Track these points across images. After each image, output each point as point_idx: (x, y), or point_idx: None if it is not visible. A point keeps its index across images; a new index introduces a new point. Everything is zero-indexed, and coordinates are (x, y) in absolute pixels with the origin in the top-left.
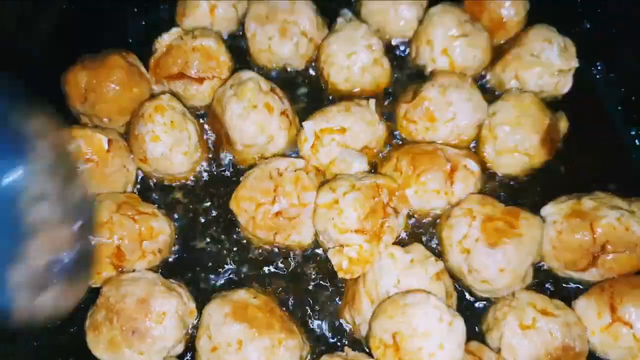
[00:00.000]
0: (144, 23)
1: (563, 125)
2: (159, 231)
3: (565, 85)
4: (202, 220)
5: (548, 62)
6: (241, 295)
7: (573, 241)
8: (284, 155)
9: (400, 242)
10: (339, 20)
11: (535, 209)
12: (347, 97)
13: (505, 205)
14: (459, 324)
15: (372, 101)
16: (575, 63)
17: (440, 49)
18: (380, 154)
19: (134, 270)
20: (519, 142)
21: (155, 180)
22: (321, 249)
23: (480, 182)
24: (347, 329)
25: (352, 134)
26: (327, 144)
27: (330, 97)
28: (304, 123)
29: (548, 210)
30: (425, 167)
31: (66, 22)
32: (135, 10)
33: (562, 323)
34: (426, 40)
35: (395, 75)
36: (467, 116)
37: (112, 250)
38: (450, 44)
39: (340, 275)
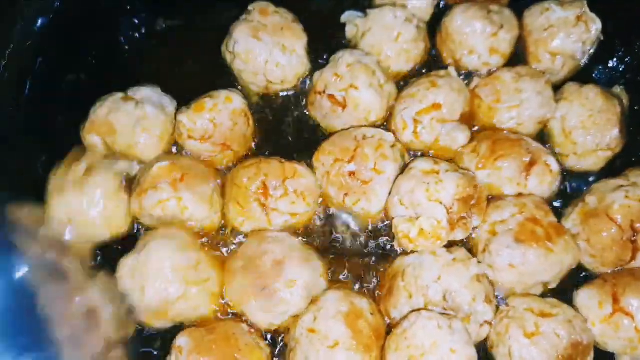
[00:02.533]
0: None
1: (625, 101)
2: (301, 174)
3: (593, 22)
4: None
5: (561, 21)
6: (362, 304)
7: (604, 240)
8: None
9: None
10: (349, 28)
11: None
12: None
13: (558, 221)
14: (458, 324)
15: (452, 69)
16: (583, 3)
17: (487, 50)
18: None
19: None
20: (600, 140)
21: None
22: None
23: (556, 184)
24: None
25: (448, 107)
26: (428, 125)
27: None
28: (402, 112)
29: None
30: (504, 153)
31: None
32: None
33: (564, 321)
34: (468, 50)
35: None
36: (532, 108)
37: (258, 186)
38: (495, 42)
39: (403, 243)
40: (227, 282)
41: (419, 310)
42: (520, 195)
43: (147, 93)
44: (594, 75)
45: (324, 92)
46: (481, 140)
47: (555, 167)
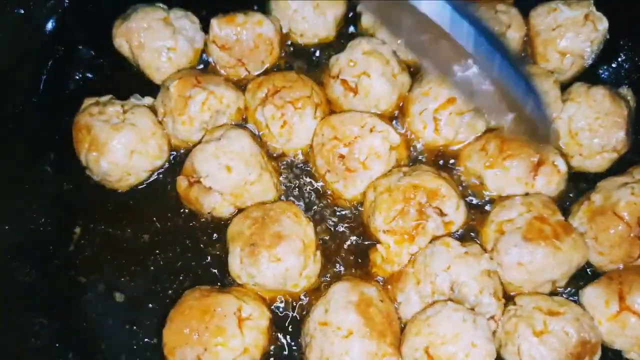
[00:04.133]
0: None
1: (632, 102)
2: (305, 116)
3: (600, 21)
4: None
5: (569, 20)
6: (371, 292)
7: (612, 237)
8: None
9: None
10: (365, 17)
11: None
12: None
13: (565, 220)
14: (482, 320)
15: None
16: (589, 2)
17: None
18: None
19: None
20: (605, 143)
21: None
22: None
23: (564, 184)
24: None
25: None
26: (448, 120)
27: None
28: (421, 113)
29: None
30: (512, 153)
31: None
32: None
33: (573, 319)
34: None
35: None
36: None
37: (276, 87)
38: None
39: (373, 271)
40: (236, 220)
41: (445, 301)
42: (527, 194)
43: (184, 23)
44: (599, 74)
45: (338, 76)
46: (490, 139)
47: (562, 167)
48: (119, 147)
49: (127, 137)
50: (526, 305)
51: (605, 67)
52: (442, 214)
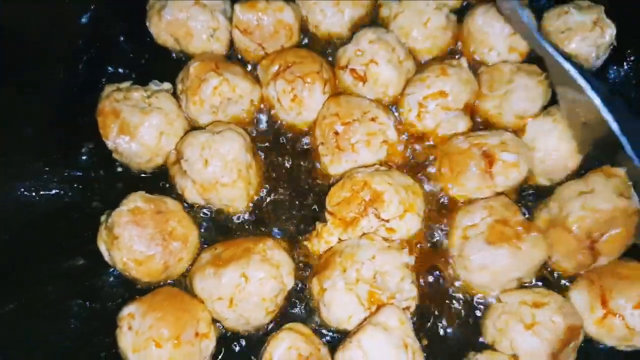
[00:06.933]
0: None
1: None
2: (315, 91)
3: (609, 27)
4: None
5: (579, 24)
6: None
7: (564, 249)
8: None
9: None
10: (383, 9)
11: None
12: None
13: (526, 219)
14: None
15: (464, 60)
16: (600, 9)
17: (507, 48)
18: None
19: None
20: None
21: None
22: None
23: (524, 169)
24: None
25: (454, 96)
26: (432, 110)
27: None
28: (409, 96)
29: None
30: (460, 169)
31: None
32: None
33: (557, 308)
34: (488, 48)
35: None
36: (514, 100)
37: (287, 62)
38: (513, 40)
39: (305, 242)
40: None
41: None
42: (488, 198)
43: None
44: (606, 76)
45: (347, 66)
46: (441, 160)
47: (511, 158)
48: (150, 129)
49: (157, 119)
50: (512, 302)
51: (614, 68)
52: (379, 217)
